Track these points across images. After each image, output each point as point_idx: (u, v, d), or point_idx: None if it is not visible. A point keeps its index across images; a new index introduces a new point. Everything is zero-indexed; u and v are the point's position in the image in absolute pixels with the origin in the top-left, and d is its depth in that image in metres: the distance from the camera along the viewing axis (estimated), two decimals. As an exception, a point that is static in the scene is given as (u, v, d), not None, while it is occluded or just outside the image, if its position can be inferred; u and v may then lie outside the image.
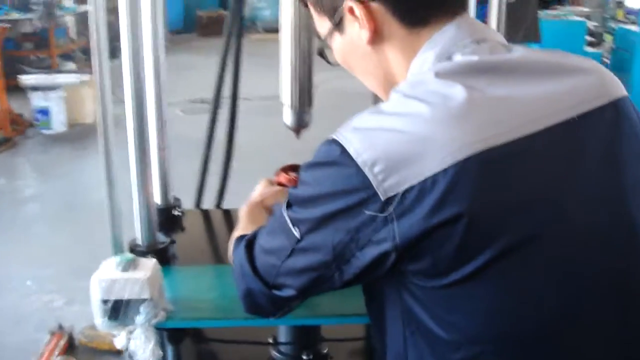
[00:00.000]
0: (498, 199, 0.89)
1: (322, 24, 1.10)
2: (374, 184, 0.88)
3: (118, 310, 1.26)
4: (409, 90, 0.95)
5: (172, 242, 1.59)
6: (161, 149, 1.77)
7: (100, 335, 2.92)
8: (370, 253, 0.92)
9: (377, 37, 1.03)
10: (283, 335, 1.57)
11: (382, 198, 0.88)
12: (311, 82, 1.58)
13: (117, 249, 1.49)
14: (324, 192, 0.94)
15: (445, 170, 0.86)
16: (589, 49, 7.13)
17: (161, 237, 1.57)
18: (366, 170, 0.88)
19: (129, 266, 1.28)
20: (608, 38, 7.78)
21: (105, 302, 1.26)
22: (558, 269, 0.92)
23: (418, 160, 0.87)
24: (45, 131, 6.29)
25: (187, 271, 1.54)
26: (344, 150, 0.91)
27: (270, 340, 1.57)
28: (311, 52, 1.54)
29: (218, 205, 2.19)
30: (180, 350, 1.47)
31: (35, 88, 6.26)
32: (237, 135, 2.25)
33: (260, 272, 1.06)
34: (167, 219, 1.79)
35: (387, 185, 0.88)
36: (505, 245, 0.89)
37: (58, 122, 6.25)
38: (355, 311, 1.28)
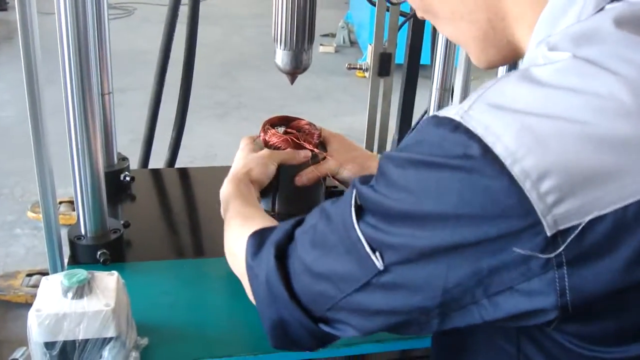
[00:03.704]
0: None
1: None
2: (538, 209, 0.54)
3: (69, 356, 0.87)
4: (579, 47, 0.58)
5: (127, 225, 1.19)
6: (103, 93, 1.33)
7: (13, 287, 2.52)
8: (509, 305, 0.59)
9: None
10: None
11: (549, 232, 0.54)
12: (313, 12, 1.17)
13: (51, 242, 1.08)
14: (441, 212, 0.57)
15: None
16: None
17: (112, 221, 1.17)
18: (527, 187, 0.54)
19: (82, 290, 0.88)
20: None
21: (49, 345, 0.86)
22: None
23: (614, 176, 0.53)
24: None
25: (152, 270, 1.14)
26: (487, 150, 0.55)
27: None
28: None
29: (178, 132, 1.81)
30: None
31: None
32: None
33: (302, 298, 0.72)
34: (112, 187, 1.36)
35: (561, 213, 0.54)
36: None
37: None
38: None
